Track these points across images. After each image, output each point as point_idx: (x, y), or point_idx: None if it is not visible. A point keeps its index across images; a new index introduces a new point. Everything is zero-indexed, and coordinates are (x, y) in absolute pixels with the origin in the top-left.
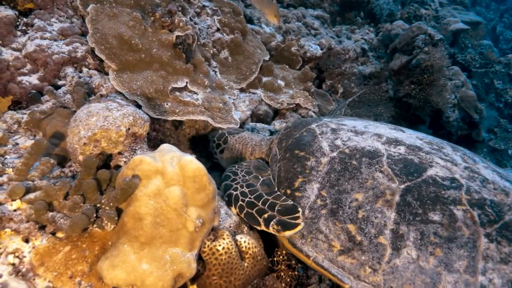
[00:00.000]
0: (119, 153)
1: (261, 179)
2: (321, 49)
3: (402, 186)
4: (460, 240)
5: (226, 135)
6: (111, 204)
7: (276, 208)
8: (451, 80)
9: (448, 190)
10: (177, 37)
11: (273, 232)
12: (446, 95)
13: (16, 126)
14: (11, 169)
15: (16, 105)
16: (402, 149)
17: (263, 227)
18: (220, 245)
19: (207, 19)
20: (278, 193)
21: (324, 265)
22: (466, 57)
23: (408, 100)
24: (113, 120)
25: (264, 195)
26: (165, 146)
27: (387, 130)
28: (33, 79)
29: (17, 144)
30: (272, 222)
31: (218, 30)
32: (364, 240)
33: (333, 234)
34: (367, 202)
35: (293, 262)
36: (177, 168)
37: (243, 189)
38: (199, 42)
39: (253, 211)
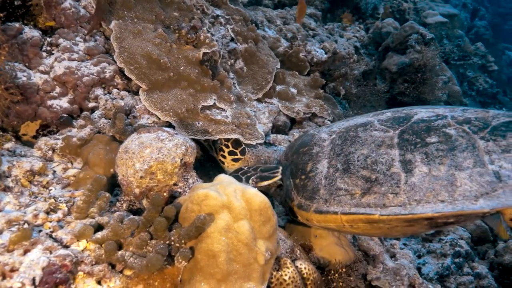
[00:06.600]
0: (174, 184)
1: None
2: (326, 53)
3: (397, 131)
4: (460, 147)
5: (243, 146)
6: (183, 241)
7: (258, 169)
8: (438, 76)
9: (436, 121)
10: (204, 54)
11: (251, 185)
12: (438, 93)
13: (50, 152)
14: (64, 204)
15: (44, 129)
16: (388, 114)
17: (244, 183)
18: (286, 275)
19: (221, 29)
20: (274, 165)
21: (352, 211)
22: (445, 50)
23: (402, 98)
24: (168, 151)
25: (259, 166)
26: (223, 178)
27: (371, 113)
28: (63, 102)
29: (54, 172)
30: (252, 178)
31: (232, 39)
32: (379, 176)
33: (351, 185)
34: (372, 151)
35: (351, 278)
36: (243, 202)
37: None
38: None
39: (238, 174)
